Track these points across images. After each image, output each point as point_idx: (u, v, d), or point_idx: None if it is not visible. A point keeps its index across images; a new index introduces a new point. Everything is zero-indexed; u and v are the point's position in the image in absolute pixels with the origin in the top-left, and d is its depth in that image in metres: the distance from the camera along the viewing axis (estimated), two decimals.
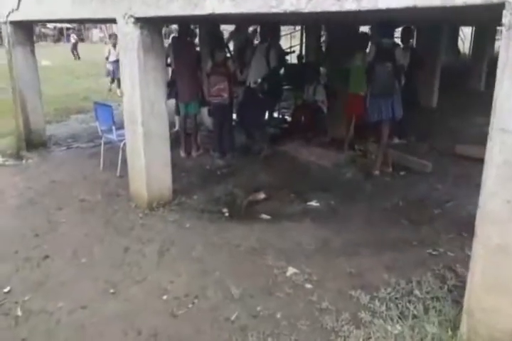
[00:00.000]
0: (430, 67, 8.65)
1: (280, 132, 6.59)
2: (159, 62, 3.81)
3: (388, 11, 2.30)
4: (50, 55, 19.59)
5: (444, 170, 5.16)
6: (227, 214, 3.99)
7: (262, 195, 4.36)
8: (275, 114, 7.65)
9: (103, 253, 3.26)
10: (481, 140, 6.63)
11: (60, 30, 33.51)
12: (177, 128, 6.38)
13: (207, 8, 2.97)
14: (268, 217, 3.93)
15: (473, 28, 15.49)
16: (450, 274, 2.91)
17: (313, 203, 4.25)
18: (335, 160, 5.50)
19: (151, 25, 3.64)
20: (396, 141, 6.02)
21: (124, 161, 4.38)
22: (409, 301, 2.61)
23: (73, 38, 22.17)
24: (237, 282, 2.80)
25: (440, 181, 4.81)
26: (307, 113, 6.47)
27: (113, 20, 3.78)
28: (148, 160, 3.93)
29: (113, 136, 4.79)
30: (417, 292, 2.69)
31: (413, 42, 6.45)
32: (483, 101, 9.49)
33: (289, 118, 7.42)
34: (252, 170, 5.22)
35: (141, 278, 2.92)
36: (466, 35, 17.50)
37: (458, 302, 2.60)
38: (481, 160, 5.48)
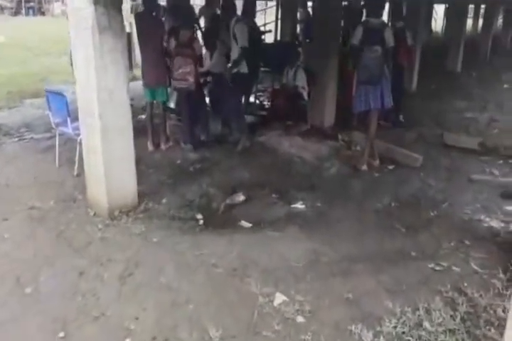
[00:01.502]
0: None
1: (258, 120, 6.03)
2: (119, 43, 3.19)
3: None
4: (6, 29, 18.11)
5: (434, 162, 4.81)
6: (201, 222, 3.51)
7: (240, 197, 3.88)
8: (251, 99, 7.07)
9: (53, 279, 2.72)
10: (465, 127, 6.42)
11: (19, 2, 31.24)
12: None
13: None
14: (249, 224, 3.47)
15: (446, 5, 15.13)
16: (460, 297, 2.54)
17: (299, 205, 3.80)
18: (317, 153, 5.04)
19: (108, 1, 3.01)
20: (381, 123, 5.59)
21: (83, 157, 3.78)
22: (419, 337, 2.22)
23: None
24: (216, 318, 2.34)
25: (432, 176, 4.45)
26: (287, 99, 5.94)
27: None
28: (107, 159, 3.35)
29: (68, 130, 4.15)
30: (426, 324, 2.30)
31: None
32: (461, 84, 9.28)
33: (267, 104, 6.86)
34: (228, 164, 4.70)
35: (99, 314, 2.41)
36: (437, 12, 17.13)
37: (473, 335, 2.24)
38: (469, 150, 5.18)
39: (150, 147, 4.99)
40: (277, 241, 3.16)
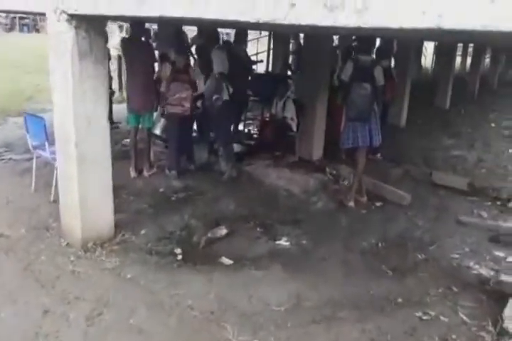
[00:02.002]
0: (400, 84, 8.38)
1: (245, 149, 5.94)
2: (100, 69, 3.09)
3: (401, 30, 1.75)
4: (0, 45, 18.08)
5: (422, 201, 4.73)
6: (180, 257, 3.33)
7: (223, 231, 3.72)
8: (240, 127, 7.02)
9: (14, 317, 2.51)
10: (453, 165, 6.39)
11: (13, 18, 31.40)
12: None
13: (155, 9, 2.31)
14: (230, 261, 3.30)
15: (435, 43, 15.57)
16: None
17: (283, 242, 3.66)
18: (304, 186, 4.94)
19: (90, 24, 2.93)
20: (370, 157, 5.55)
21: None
22: None
23: None
24: None
25: (420, 215, 4.37)
26: (275, 130, 5.89)
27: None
28: (83, 189, 3.19)
29: (46, 153, 3.99)
30: None
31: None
32: (449, 121, 9.35)
33: (255, 134, 6.79)
34: (213, 194, 4.56)
35: None
36: (427, 49, 17.63)
37: None
38: (457, 190, 5.10)
39: (132, 173, 4.84)
40: (259, 281, 3.00)
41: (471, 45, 14.89)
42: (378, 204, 4.59)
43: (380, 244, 3.73)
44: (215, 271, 3.12)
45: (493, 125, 8.93)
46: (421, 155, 6.37)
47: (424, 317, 2.71)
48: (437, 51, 16.15)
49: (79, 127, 3.04)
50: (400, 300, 2.94)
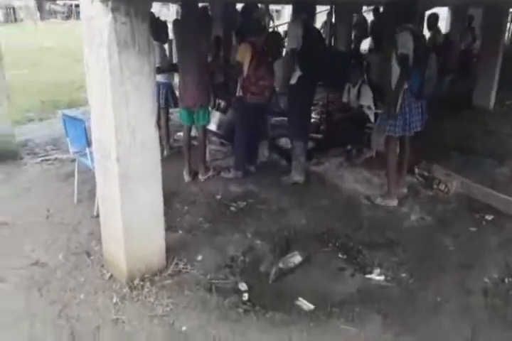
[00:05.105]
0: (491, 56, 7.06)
1: (312, 145, 5.05)
2: (145, 64, 2.38)
3: None
4: (56, 33, 18.22)
5: None
6: (246, 297, 2.63)
7: (297, 259, 2.97)
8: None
9: None
10: None
11: (70, 7, 31.93)
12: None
13: None
14: (310, 306, 2.55)
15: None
16: None
17: (376, 276, 2.85)
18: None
19: (131, 6, 2.21)
20: None
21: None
22: None
23: None
24: None
25: None
26: (349, 121, 4.99)
27: None
28: (127, 212, 2.55)
29: (88, 162, 3.41)
30: None
31: None
32: None
33: (321, 125, 5.87)
34: (278, 204, 3.84)
35: None
36: None
37: None
38: None
39: (186, 177, 4.20)
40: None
41: None
42: (489, 217, 3.63)
43: (506, 280, 2.83)
44: (293, 322, 2.39)
45: None
46: None
47: None
48: None
49: (121, 138, 2.37)
50: None
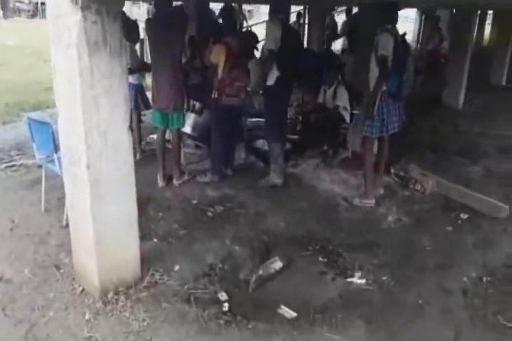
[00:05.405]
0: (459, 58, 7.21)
1: (290, 146, 4.99)
2: (116, 65, 2.25)
3: None
4: (21, 32, 17.49)
5: None
6: (227, 307, 2.53)
7: (278, 264, 2.90)
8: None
9: None
10: None
11: (36, 4, 30.87)
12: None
13: None
14: (293, 313, 2.48)
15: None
16: None
17: (357, 280, 2.81)
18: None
19: (103, 5, 2.08)
20: None
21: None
22: None
23: None
24: None
25: None
26: (325, 122, 4.96)
27: None
28: (98, 220, 2.41)
29: (56, 168, 3.23)
30: None
31: None
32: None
33: (296, 126, 5.82)
34: (256, 207, 3.76)
35: None
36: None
37: None
38: None
39: (160, 182, 4.07)
40: None
41: None
42: (465, 216, 3.66)
43: (484, 279, 2.84)
44: (276, 332, 2.32)
45: None
46: (498, 146, 5.34)
47: None
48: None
49: (91, 144, 2.23)
50: None
